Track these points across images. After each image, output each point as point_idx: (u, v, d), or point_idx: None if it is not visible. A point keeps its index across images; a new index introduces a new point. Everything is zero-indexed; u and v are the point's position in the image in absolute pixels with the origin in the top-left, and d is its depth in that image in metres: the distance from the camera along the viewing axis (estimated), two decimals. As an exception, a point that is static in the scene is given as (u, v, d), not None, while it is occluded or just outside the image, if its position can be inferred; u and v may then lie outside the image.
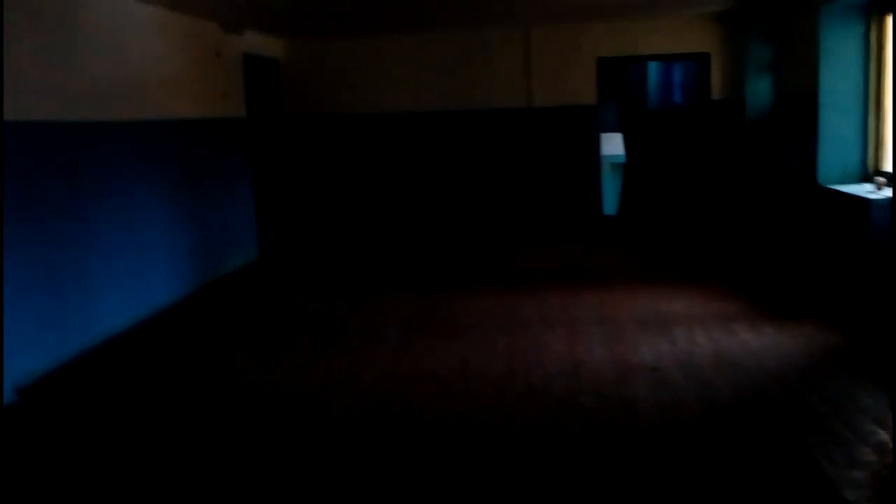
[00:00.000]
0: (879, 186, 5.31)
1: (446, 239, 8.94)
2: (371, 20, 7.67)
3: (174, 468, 3.37)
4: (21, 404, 4.24)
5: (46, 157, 4.81)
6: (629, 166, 9.63)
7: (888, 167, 5.61)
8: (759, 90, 7.60)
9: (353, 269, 7.60)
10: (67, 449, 3.64)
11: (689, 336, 4.90)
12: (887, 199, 5.01)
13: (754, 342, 4.73)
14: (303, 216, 9.27)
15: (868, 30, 5.73)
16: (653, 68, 10.22)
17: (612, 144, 10.52)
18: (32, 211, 4.62)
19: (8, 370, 4.23)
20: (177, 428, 3.82)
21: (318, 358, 4.80)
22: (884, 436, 3.33)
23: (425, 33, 8.78)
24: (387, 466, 3.30)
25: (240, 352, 5.00)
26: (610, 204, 10.94)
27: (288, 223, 9.04)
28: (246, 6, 6.58)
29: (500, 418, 3.76)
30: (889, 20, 5.58)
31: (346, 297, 6.41)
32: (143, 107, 5.95)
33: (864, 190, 5.39)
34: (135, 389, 4.41)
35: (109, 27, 5.51)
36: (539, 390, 4.09)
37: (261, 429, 3.75)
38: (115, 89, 5.57)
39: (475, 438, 3.53)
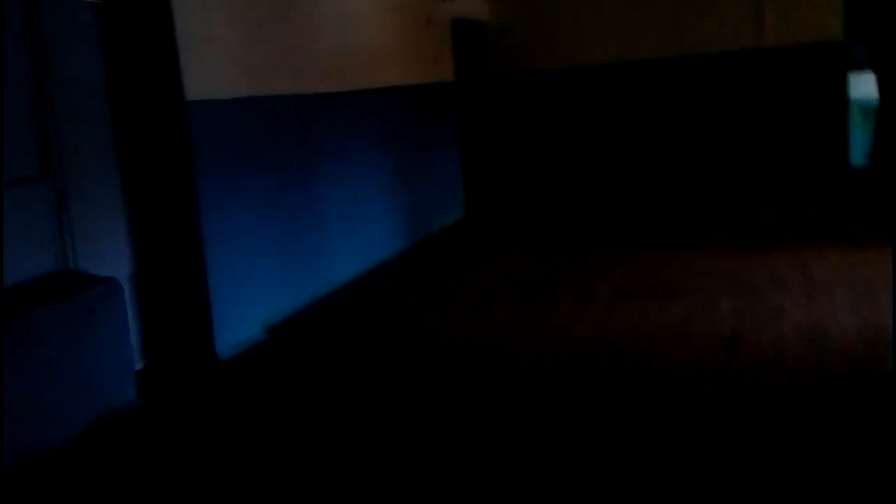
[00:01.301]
0: None
1: (662, 196, 8.41)
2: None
3: (383, 403, 3.54)
4: (268, 341, 4.68)
5: (287, 126, 5.26)
6: (884, 111, 8.43)
7: None
8: None
9: (560, 226, 7.42)
10: (301, 381, 3.95)
11: (962, 302, 4.15)
12: None
13: None
14: (508, 175, 9.23)
15: None
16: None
17: (864, 86, 9.30)
18: (277, 174, 5.12)
19: (260, 311, 4.83)
20: (395, 369, 4.00)
21: (530, 312, 4.74)
22: None
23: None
24: (602, 422, 3.15)
25: (454, 303, 5.09)
26: (859, 154, 9.70)
27: (494, 182, 9.10)
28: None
29: (724, 385, 3.43)
30: None
31: (554, 253, 6.28)
32: (363, 77, 6.27)
33: None
34: (359, 332, 4.71)
35: (333, 5, 5.83)
36: (771, 357, 3.68)
37: (473, 378, 3.77)
38: (339, 62, 5.91)
39: (694, 404, 3.26)
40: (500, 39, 8.93)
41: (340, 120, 5.95)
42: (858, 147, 9.61)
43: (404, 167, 6.98)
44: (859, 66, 9.00)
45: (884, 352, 3.62)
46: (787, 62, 7.91)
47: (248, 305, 4.69)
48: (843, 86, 7.89)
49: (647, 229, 6.92)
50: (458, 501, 2.69)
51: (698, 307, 4.50)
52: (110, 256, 4.11)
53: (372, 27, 6.46)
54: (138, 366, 4.16)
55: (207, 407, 3.76)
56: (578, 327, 4.38)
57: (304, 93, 5.44)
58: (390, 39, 6.77)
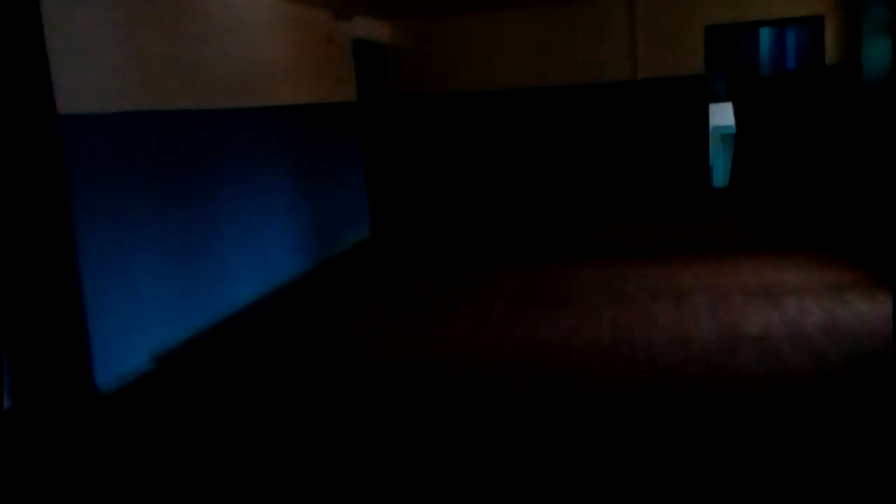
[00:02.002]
0: None
1: (552, 214, 9.08)
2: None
3: (285, 432, 3.60)
4: (156, 371, 4.54)
5: (178, 144, 5.13)
6: (740, 137, 9.43)
7: None
8: (877, 53, 7.29)
9: (461, 244, 7.85)
10: (193, 413, 3.92)
11: (801, 306, 4.89)
12: None
13: (869, 311, 4.67)
14: (412, 194, 9.58)
15: None
16: (765, 34, 9.91)
17: (723, 115, 10.31)
18: (166, 194, 4.97)
19: (146, 339, 4.64)
20: (297, 394, 4.06)
21: (429, 330, 5.00)
22: None
23: (529, 8, 8.84)
24: (492, 435, 3.43)
25: (358, 324, 5.27)
26: (720, 176, 10.73)
27: (398, 201, 9.40)
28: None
29: (607, 388, 3.87)
30: None
31: (455, 271, 6.65)
32: (261, 94, 6.27)
33: None
34: (257, 359, 4.69)
35: (227, 19, 5.79)
36: (646, 361, 4.19)
37: (370, 397, 3.94)
38: (236, 78, 5.88)
39: (580, 408, 3.68)
40: (402, 62, 9.29)
41: (237, 137, 5.88)
42: (720, 169, 10.63)
43: (307, 187, 7.04)
44: (718, 98, 10.02)
45: (736, 350, 4.22)
46: (657, 93, 8.74)
47: (132, 334, 4.50)
48: (704, 114, 8.77)
49: (540, 244, 7.47)
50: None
51: (583, 318, 5.00)
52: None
53: (271, 44, 6.48)
54: (5, 405, 3.84)
55: (82, 446, 3.56)
56: (478, 341, 4.70)
57: (196, 108, 5.31)
58: (290, 57, 6.81)
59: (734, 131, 9.63)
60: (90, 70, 4.28)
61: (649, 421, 3.46)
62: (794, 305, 4.91)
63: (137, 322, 4.59)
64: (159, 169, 4.93)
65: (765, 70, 9.93)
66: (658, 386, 3.84)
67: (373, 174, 8.73)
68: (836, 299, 4.96)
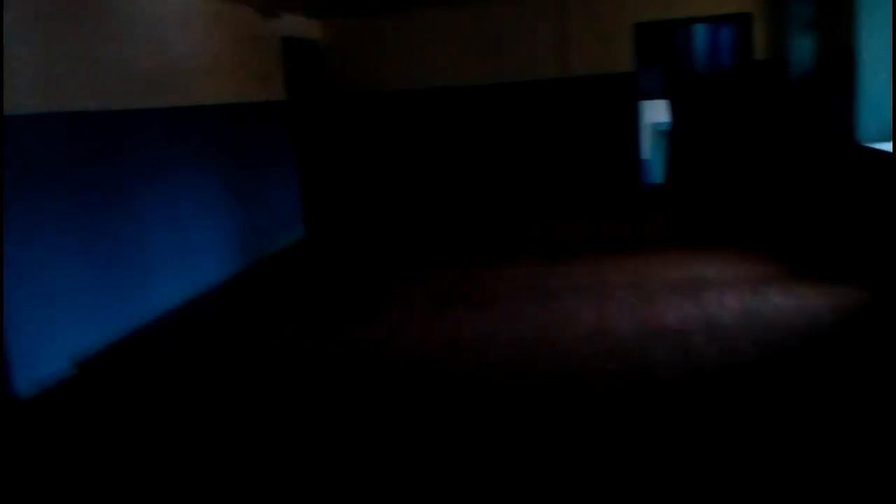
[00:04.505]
0: (917, 142, 5.21)
1: (486, 212, 9.06)
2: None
3: (225, 433, 3.60)
4: (78, 377, 4.51)
5: (99, 145, 5.08)
6: (674, 133, 9.55)
7: (927, 122, 5.47)
8: (802, 49, 7.44)
9: (395, 243, 7.81)
10: (121, 420, 3.87)
11: (719, 299, 4.94)
12: (923, 155, 4.93)
13: (784, 303, 4.75)
14: (347, 194, 9.49)
15: (906, -19, 5.57)
16: (699, 31, 10.05)
17: (658, 111, 10.41)
18: (86, 197, 4.93)
19: (67, 344, 4.62)
20: (226, 395, 4.08)
21: (357, 328, 5.03)
22: (898, 390, 3.38)
23: (462, 6, 8.81)
24: (412, 429, 3.49)
25: (284, 324, 5.28)
26: (656, 172, 10.84)
27: (333, 201, 9.29)
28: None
29: (525, 384, 3.89)
30: (927, -30, 5.42)
31: (388, 270, 6.63)
32: (182, 93, 6.15)
33: (901, 146, 5.29)
34: (181, 362, 4.67)
35: (146, 16, 5.70)
36: (564, 355, 4.21)
37: (296, 395, 3.99)
38: (155, 77, 5.78)
39: (498, 403, 3.69)
40: (335, 60, 9.19)
41: (160, 138, 5.80)
42: (657, 165, 10.74)
43: (235, 187, 6.94)
44: (654, 95, 10.13)
45: (651, 344, 4.26)
46: (589, 90, 8.79)
47: (53, 338, 4.47)
48: (634, 111, 8.85)
49: (470, 244, 7.45)
50: None
51: (506, 317, 4.98)
52: None
53: (192, 42, 6.35)
54: None
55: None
56: (400, 340, 4.71)
57: (117, 108, 5.26)
58: (213, 56, 6.66)
59: (669, 128, 9.75)
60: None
61: (564, 414, 3.47)
62: (713, 298, 4.97)
63: (58, 327, 4.54)
64: (80, 171, 4.87)
65: (700, 67, 10.07)
66: (575, 380, 3.86)
67: (307, 175, 8.62)
68: (753, 292, 5.03)
